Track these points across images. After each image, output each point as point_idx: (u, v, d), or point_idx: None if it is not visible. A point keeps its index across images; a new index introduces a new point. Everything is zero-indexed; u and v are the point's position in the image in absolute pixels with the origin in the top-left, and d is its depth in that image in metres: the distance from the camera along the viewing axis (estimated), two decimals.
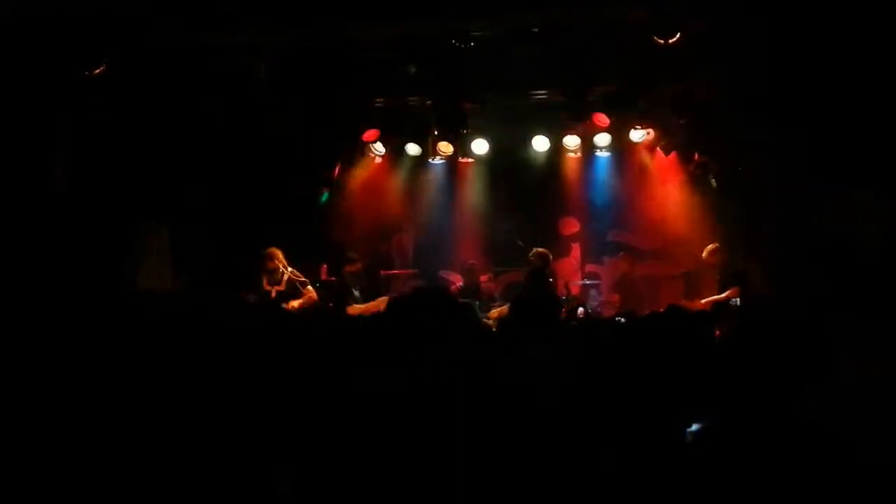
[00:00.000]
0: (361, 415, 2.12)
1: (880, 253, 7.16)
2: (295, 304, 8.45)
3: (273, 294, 8.51)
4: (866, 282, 6.85)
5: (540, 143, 9.96)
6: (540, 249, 9.41)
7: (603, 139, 9.82)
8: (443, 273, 10.69)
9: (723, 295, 8.62)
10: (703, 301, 8.75)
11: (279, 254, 8.66)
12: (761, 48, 7.24)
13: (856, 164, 7.37)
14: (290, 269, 8.72)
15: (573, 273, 10.54)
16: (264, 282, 8.62)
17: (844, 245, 7.48)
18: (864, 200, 7.46)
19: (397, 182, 10.59)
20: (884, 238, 7.28)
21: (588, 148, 10.07)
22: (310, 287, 8.85)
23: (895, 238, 7.19)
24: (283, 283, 8.61)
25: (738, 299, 8.44)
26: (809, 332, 2.97)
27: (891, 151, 7.26)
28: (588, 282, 10.45)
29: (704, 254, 8.94)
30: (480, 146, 10.01)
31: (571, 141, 9.95)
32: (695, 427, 2.58)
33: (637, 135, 9.71)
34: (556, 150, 10.05)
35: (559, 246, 10.57)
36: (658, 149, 9.79)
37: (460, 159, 10.35)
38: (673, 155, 9.72)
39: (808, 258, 7.53)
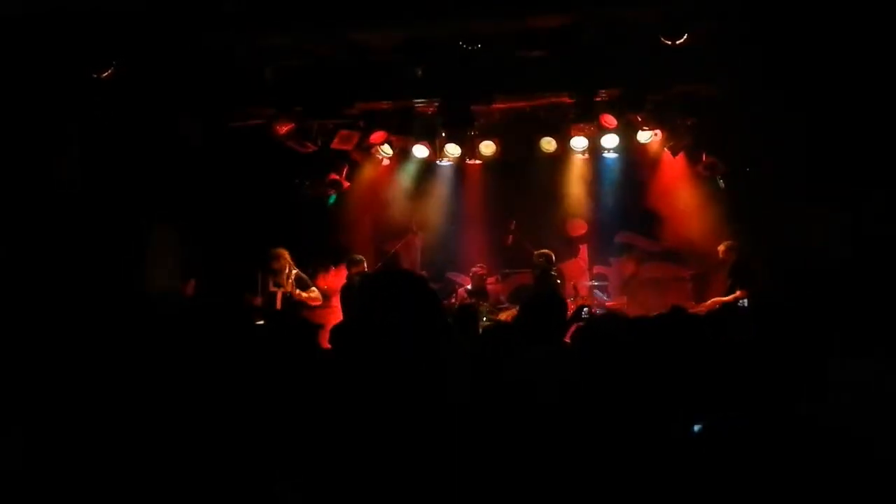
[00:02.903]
0: (363, 415, 2.13)
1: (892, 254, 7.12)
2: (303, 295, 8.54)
3: (279, 297, 8.51)
4: (874, 283, 6.82)
5: (547, 145, 9.95)
6: (544, 250, 9.46)
7: (610, 140, 9.80)
8: (450, 275, 10.69)
9: (730, 297, 8.61)
10: (709, 301, 8.76)
11: (286, 254, 8.66)
12: (767, 48, 7.22)
13: (863, 165, 7.34)
14: (296, 270, 8.73)
15: (581, 274, 10.52)
16: (270, 284, 8.62)
17: (854, 246, 7.45)
18: (872, 200, 7.43)
19: (405, 184, 10.60)
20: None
21: (595, 149, 10.06)
22: (314, 289, 8.87)
23: None
24: (289, 285, 8.60)
25: (745, 301, 8.43)
26: (814, 334, 2.98)
27: None
28: (596, 283, 10.44)
29: (721, 247, 8.92)
30: (488, 148, 10.01)
31: (579, 142, 9.93)
32: (697, 427, 2.59)
33: (645, 136, 9.69)
34: (564, 151, 10.04)
35: (567, 247, 10.58)
36: (666, 150, 9.77)
37: (468, 161, 10.36)
38: (680, 156, 9.69)
39: (815, 260, 7.50)
